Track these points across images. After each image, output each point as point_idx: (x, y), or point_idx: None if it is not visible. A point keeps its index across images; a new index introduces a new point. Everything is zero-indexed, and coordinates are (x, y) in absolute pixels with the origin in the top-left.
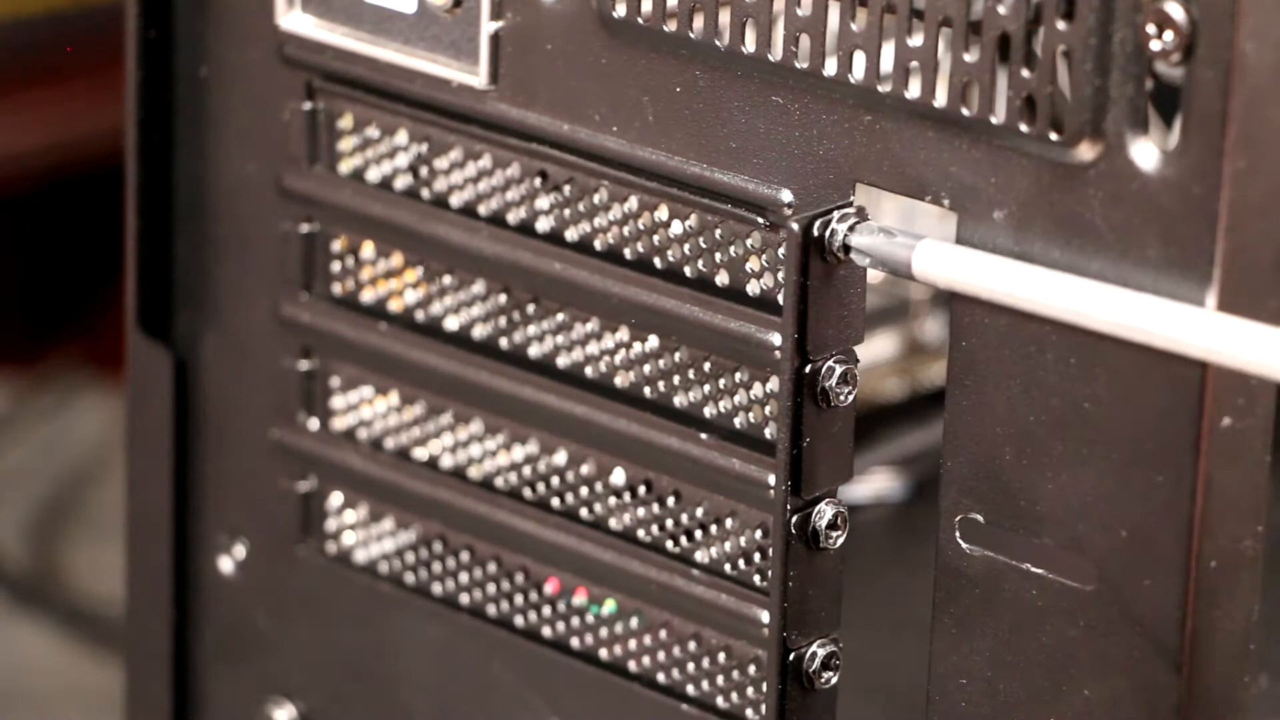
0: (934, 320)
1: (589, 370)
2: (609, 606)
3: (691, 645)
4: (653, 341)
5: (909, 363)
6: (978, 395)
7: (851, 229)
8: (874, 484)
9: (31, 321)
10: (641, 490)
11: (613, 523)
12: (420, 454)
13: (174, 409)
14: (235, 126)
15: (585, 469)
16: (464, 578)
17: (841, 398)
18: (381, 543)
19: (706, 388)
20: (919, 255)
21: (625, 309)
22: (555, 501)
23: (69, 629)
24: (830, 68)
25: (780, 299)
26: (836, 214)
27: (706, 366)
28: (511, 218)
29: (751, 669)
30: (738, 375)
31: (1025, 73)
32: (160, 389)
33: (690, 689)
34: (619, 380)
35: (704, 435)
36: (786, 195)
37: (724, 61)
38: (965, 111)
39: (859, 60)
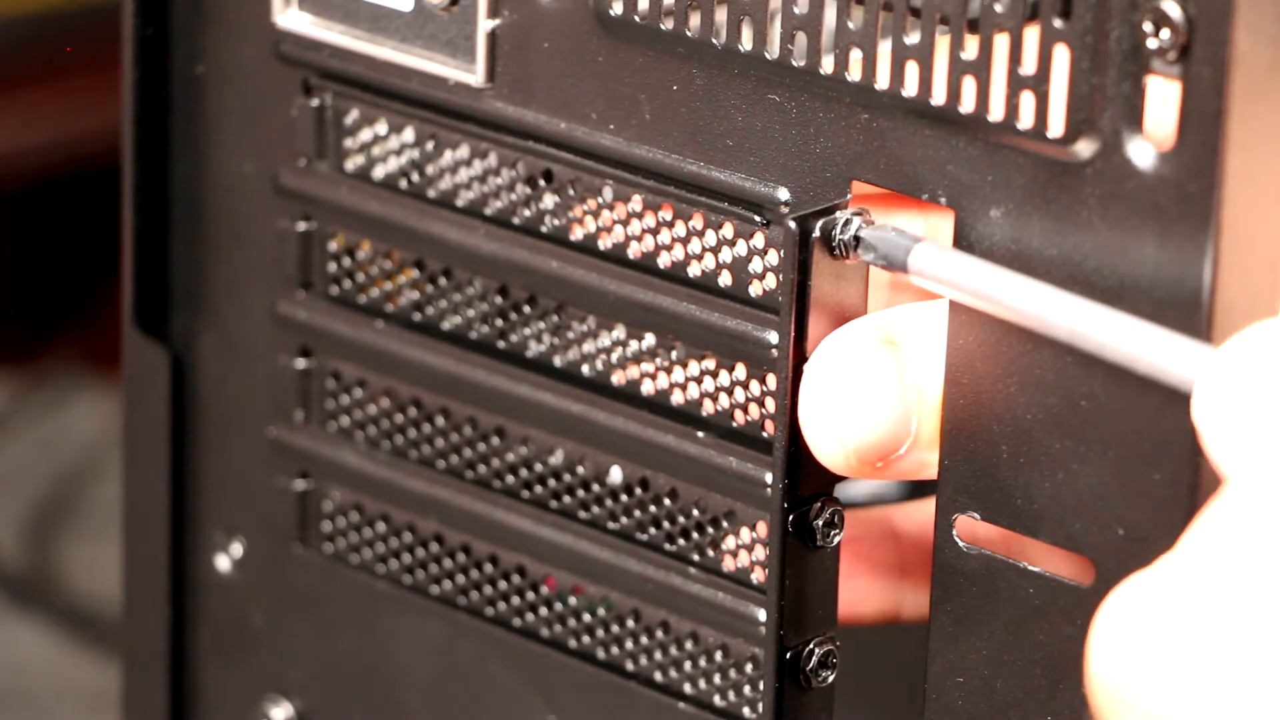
0: None
1: (586, 369)
2: (606, 605)
3: (689, 644)
4: (649, 339)
5: None
6: (975, 393)
7: (860, 229)
8: (871, 484)
9: (28, 319)
10: (638, 489)
11: (610, 522)
12: (417, 453)
13: (171, 407)
14: (232, 124)
15: (582, 468)
16: (461, 577)
17: None
18: (379, 542)
19: (704, 386)
20: (915, 256)
21: (622, 307)
22: (552, 500)
23: (66, 628)
24: (827, 65)
25: (778, 297)
26: (838, 211)
27: (704, 364)
28: (509, 216)
29: (749, 667)
30: (735, 373)
31: (1022, 70)
32: (157, 387)
33: (687, 687)
34: (616, 379)
35: (701, 434)
36: (783, 193)
37: (721, 59)
38: (962, 109)
39: (855, 58)
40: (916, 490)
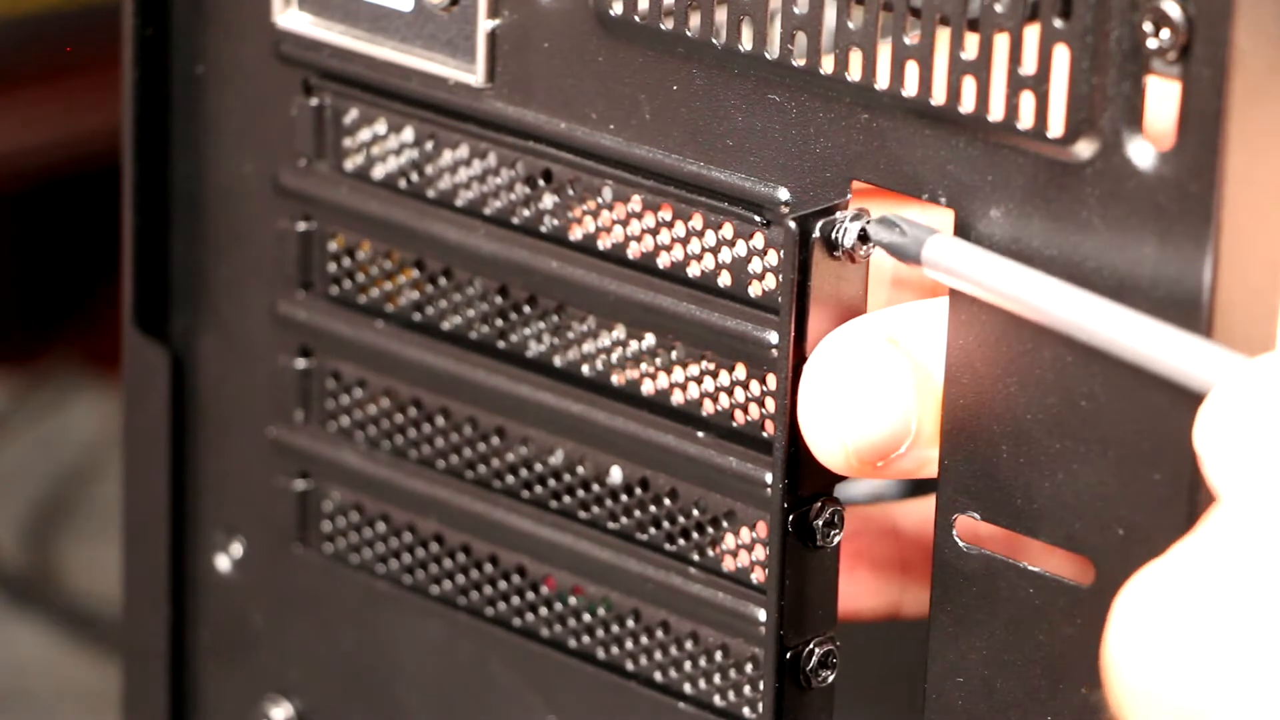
0: None
1: (586, 369)
2: (606, 605)
3: (689, 644)
4: (649, 339)
5: None
6: (975, 393)
7: (863, 227)
8: (871, 482)
9: (28, 319)
10: (638, 489)
11: (610, 522)
12: (417, 453)
13: (171, 407)
14: (232, 124)
15: (582, 468)
16: (461, 577)
17: None
18: (379, 542)
19: (704, 386)
20: (930, 248)
21: (622, 307)
22: (552, 500)
23: (66, 628)
24: (827, 65)
25: (778, 297)
26: (838, 211)
27: (704, 364)
28: (509, 216)
29: (749, 667)
30: (735, 373)
31: (1022, 70)
32: (157, 387)
33: (687, 687)
34: (616, 379)
35: (701, 434)
36: (783, 193)
37: (721, 59)
38: (962, 109)
39: (855, 58)
40: (916, 489)
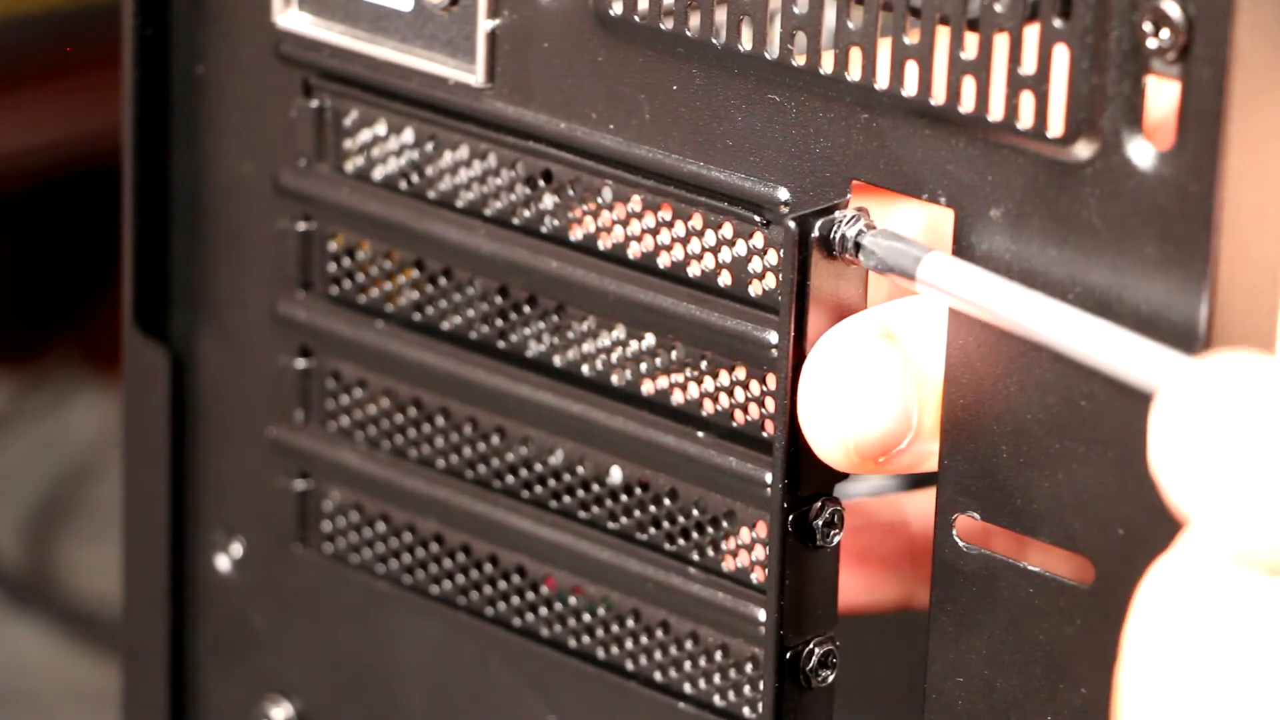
0: None
1: (586, 369)
2: (606, 605)
3: (689, 644)
4: (649, 339)
5: None
6: (974, 393)
7: (860, 230)
8: (871, 482)
9: (28, 320)
10: (638, 489)
11: (610, 522)
12: (417, 453)
13: (171, 407)
14: (232, 124)
15: (582, 468)
16: (461, 577)
17: None
18: (379, 542)
19: (704, 386)
20: (925, 267)
21: (622, 307)
22: (552, 500)
23: (66, 628)
24: (827, 65)
25: (778, 296)
26: (838, 211)
27: (703, 364)
28: (509, 216)
29: (749, 667)
30: (735, 373)
31: (1022, 70)
32: (157, 387)
33: (687, 687)
34: (616, 379)
35: (701, 434)
36: (783, 193)
37: (720, 59)
38: (962, 109)
39: (855, 58)
40: (916, 484)
